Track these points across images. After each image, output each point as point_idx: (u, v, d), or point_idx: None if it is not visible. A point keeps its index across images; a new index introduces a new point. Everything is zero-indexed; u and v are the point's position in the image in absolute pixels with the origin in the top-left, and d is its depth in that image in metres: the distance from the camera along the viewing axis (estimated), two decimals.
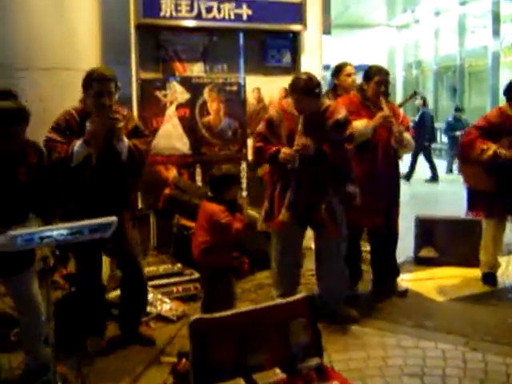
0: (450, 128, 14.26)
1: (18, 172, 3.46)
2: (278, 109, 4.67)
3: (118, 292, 4.71)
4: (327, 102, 4.69)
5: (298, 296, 3.90)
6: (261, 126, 4.66)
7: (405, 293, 5.31)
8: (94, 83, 3.94)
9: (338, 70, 5.66)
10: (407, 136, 4.99)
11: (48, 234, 2.79)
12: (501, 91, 5.38)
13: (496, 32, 17.77)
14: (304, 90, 4.41)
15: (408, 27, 24.76)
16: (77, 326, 4.21)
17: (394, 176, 5.15)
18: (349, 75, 5.61)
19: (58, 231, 2.83)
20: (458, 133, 13.75)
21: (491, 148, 5.02)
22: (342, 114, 4.52)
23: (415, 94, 5.20)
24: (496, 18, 17.60)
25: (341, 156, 4.49)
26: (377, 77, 4.90)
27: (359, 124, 4.78)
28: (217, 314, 3.74)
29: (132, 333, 4.41)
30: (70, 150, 3.85)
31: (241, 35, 6.56)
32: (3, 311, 4.16)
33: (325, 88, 6.82)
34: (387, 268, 5.32)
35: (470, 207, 5.46)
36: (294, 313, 3.79)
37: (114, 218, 2.99)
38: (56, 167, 3.82)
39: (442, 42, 22.49)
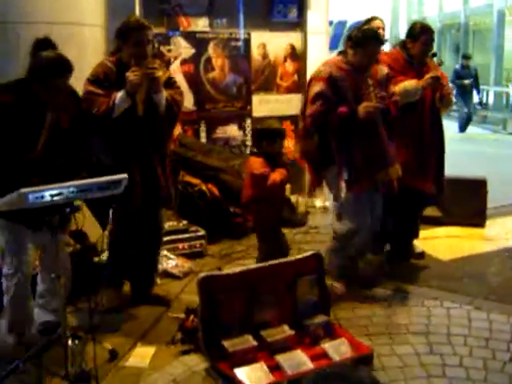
0: (458, 76, 13.63)
1: (60, 119, 3.42)
2: (332, 65, 4.30)
3: None
4: (385, 68, 4.53)
5: (307, 253, 3.91)
6: (321, 86, 4.18)
7: (422, 254, 5.26)
8: (133, 32, 3.84)
9: (366, 24, 5.25)
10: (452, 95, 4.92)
11: (58, 191, 2.78)
12: (505, 50, 5.29)
13: None
14: (379, 39, 4.27)
15: None
16: (85, 283, 4.22)
17: (441, 136, 4.97)
18: (377, 29, 5.21)
19: (69, 188, 2.81)
20: (466, 81, 13.35)
21: None
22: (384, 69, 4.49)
23: (434, 55, 5.08)
24: None
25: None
26: (423, 36, 4.71)
27: (408, 84, 4.62)
28: (225, 271, 3.77)
29: (146, 293, 4.39)
30: (111, 102, 3.75)
31: None
32: None
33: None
34: (408, 229, 5.19)
35: None
36: (302, 270, 3.81)
37: (124, 175, 2.98)
38: (97, 120, 3.75)
39: None
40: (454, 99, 4.96)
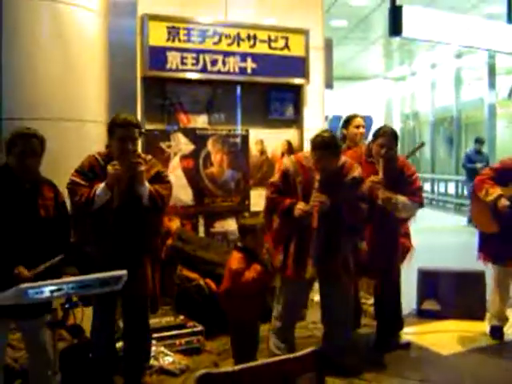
0: (470, 161, 13.26)
1: (38, 204, 3.51)
2: (294, 161, 4.64)
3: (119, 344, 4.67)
4: (343, 158, 4.65)
5: (306, 351, 3.85)
6: (276, 177, 4.66)
7: (407, 345, 5.27)
8: (118, 129, 4.03)
9: (348, 121, 5.78)
10: (403, 200, 4.82)
11: (59, 287, 2.79)
12: (497, 142, 5.44)
13: (492, 84, 18.09)
14: (326, 147, 4.41)
15: (405, 79, 25.17)
16: (80, 378, 4.16)
17: (392, 234, 5.03)
18: (357, 127, 5.75)
19: (69, 284, 2.82)
20: (479, 165, 12.82)
21: (496, 192, 5.07)
22: (357, 171, 4.59)
23: (422, 144, 5.21)
24: (492, 71, 17.94)
25: (356, 214, 4.52)
26: (380, 139, 4.91)
27: None
28: (223, 369, 3.71)
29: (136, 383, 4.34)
30: (92, 193, 3.91)
31: (244, 88, 6.68)
32: (5, 363, 4.09)
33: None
34: (391, 320, 5.26)
35: (479, 250, 5.40)
36: (302, 368, 3.74)
37: (124, 272, 3.00)
38: (78, 210, 3.88)
39: (439, 93, 22.83)
40: (397, 204, 4.83)
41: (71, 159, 4.14)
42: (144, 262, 4.18)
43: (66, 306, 2.98)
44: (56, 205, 3.65)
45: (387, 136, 4.93)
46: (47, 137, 4.29)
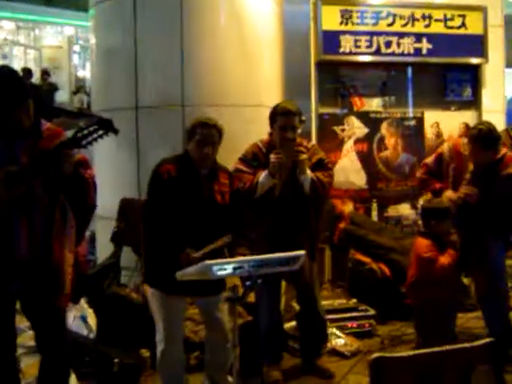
0: None
1: (214, 190, 3.64)
2: (451, 147, 4.52)
3: (292, 323, 4.79)
4: (503, 151, 4.31)
5: (482, 341, 3.71)
6: (430, 159, 4.60)
7: None
8: (278, 117, 4.08)
9: None
10: None
11: (241, 264, 2.89)
12: None
13: None
14: (483, 143, 4.16)
15: None
16: (254, 355, 4.30)
17: None
18: None
19: (249, 262, 2.92)
20: None
21: None
22: None
23: None
24: None
25: (507, 210, 4.20)
26: None
27: None
28: (398, 354, 3.66)
29: (310, 364, 4.41)
30: (255, 180, 3.99)
31: (417, 69, 6.53)
32: (186, 336, 4.31)
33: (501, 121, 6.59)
34: None
35: None
36: (477, 359, 3.60)
37: (302, 252, 3.04)
38: (241, 197, 3.95)
39: None
40: None
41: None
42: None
43: (247, 283, 3.07)
44: (231, 191, 3.75)
45: None
46: (226, 123, 4.49)
